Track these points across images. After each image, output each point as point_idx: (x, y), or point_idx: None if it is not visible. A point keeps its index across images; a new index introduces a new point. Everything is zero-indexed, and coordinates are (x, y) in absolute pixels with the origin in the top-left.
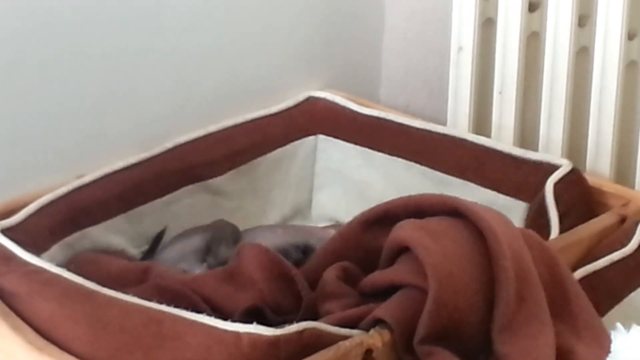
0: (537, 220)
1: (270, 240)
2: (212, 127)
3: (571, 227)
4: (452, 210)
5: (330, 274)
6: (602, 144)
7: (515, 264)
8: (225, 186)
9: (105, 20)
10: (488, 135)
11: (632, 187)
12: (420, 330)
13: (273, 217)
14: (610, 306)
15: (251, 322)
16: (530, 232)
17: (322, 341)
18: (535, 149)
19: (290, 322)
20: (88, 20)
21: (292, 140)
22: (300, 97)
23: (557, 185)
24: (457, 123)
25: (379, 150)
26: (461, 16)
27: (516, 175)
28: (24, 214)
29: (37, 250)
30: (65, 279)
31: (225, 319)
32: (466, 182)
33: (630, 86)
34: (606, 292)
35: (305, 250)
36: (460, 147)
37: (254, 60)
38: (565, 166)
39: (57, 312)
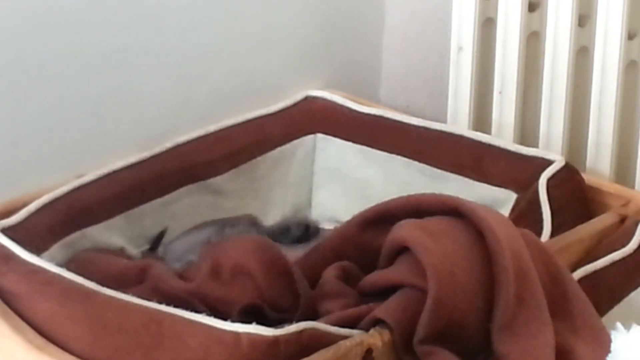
0: (529, 215)
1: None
2: (212, 127)
3: (564, 223)
4: (452, 210)
5: (330, 274)
6: (602, 144)
7: (515, 264)
8: (225, 186)
9: (106, 20)
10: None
11: (632, 186)
12: (420, 330)
13: (273, 216)
14: (610, 306)
15: (250, 321)
16: (529, 232)
17: (322, 341)
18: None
19: (289, 320)
20: (88, 20)
21: (291, 140)
22: (299, 96)
23: (550, 180)
24: (457, 123)
25: (378, 149)
26: (461, 16)
27: (513, 170)
28: (24, 213)
29: (37, 250)
30: (65, 279)
31: (224, 318)
32: (464, 178)
33: (630, 86)
34: (606, 291)
35: (307, 228)
36: (457, 144)
37: (254, 60)
38: (558, 162)
39: (57, 311)
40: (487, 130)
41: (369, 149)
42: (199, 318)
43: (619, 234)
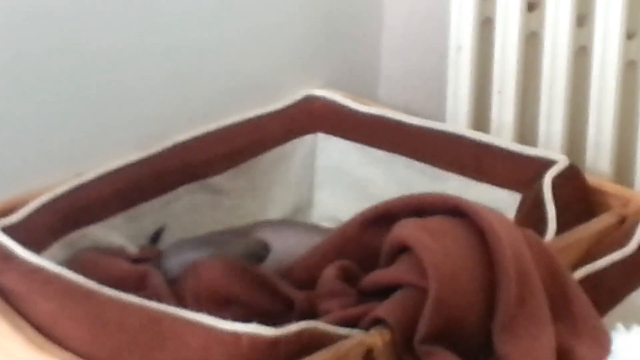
0: (533, 214)
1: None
2: (212, 126)
3: (567, 223)
4: (454, 210)
5: (330, 273)
6: (602, 144)
7: (516, 264)
8: (225, 185)
9: (104, 19)
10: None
11: (632, 186)
12: (421, 330)
13: (273, 215)
14: (611, 306)
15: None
16: (531, 232)
17: (322, 341)
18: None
19: (284, 323)
20: (86, 18)
21: (291, 139)
22: (299, 95)
23: (554, 180)
24: (456, 122)
25: (378, 148)
26: (460, 15)
27: (514, 170)
28: (24, 212)
29: (37, 249)
30: (66, 278)
31: None
32: (465, 178)
33: (629, 86)
34: (606, 292)
35: None
36: (458, 143)
37: (253, 59)
38: (562, 161)
39: (57, 310)
40: (486, 130)
41: (370, 148)
42: (199, 318)
43: (618, 234)
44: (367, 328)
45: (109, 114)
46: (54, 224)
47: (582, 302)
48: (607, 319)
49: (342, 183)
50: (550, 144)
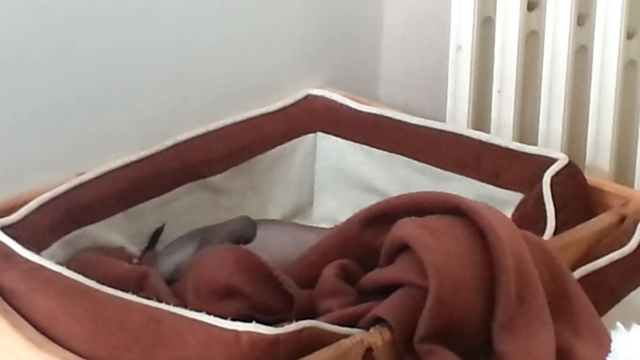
0: (534, 212)
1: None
2: (212, 125)
3: (566, 222)
4: (453, 209)
5: (330, 272)
6: (602, 143)
7: (515, 263)
8: (225, 184)
9: (104, 18)
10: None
11: (632, 186)
12: (421, 329)
13: (273, 215)
14: (610, 305)
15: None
16: (530, 233)
17: (322, 340)
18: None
19: (283, 321)
20: (87, 18)
21: (291, 138)
22: (299, 95)
23: (554, 178)
24: (456, 122)
25: (378, 148)
26: (460, 15)
27: (514, 169)
28: (24, 211)
29: (37, 248)
30: (66, 277)
31: None
32: (465, 178)
33: (629, 85)
34: (606, 291)
35: None
36: (458, 143)
37: (253, 59)
38: (562, 160)
39: (57, 309)
40: (486, 130)
41: (370, 148)
42: (199, 317)
43: (618, 233)
44: (367, 327)
45: (109, 114)
46: (54, 223)
47: (582, 301)
48: (606, 318)
49: (343, 183)
50: (550, 143)
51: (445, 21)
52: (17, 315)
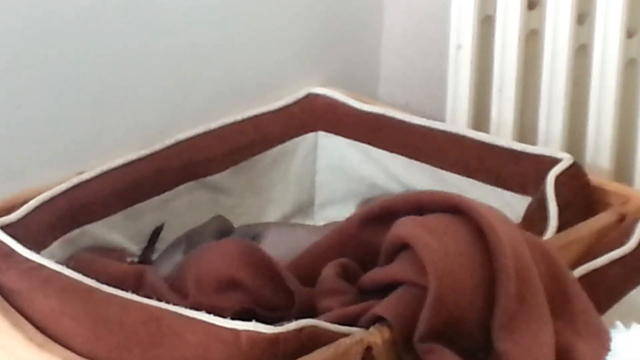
0: (536, 212)
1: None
2: (212, 124)
3: (569, 221)
4: (453, 208)
5: (329, 271)
6: (602, 142)
7: (515, 262)
8: (225, 183)
9: (105, 18)
10: (487, 133)
11: (632, 185)
12: (420, 328)
13: (273, 214)
14: (610, 304)
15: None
16: (529, 233)
17: (322, 339)
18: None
19: (283, 318)
20: (87, 18)
21: (292, 137)
22: (300, 93)
23: (558, 178)
24: (457, 121)
25: (379, 147)
26: (460, 14)
27: (516, 169)
28: (24, 210)
29: (37, 247)
30: (66, 276)
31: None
32: (467, 179)
33: (629, 84)
34: (606, 290)
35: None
36: (460, 143)
37: (254, 58)
38: (566, 160)
39: (57, 308)
40: (486, 129)
41: (371, 147)
42: (199, 315)
43: (618, 232)
44: (366, 326)
45: (109, 113)
46: (54, 222)
47: (582, 299)
48: (606, 318)
49: (344, 182)
50: (550, 142)
51: (445, 20)
52: (17, 315)
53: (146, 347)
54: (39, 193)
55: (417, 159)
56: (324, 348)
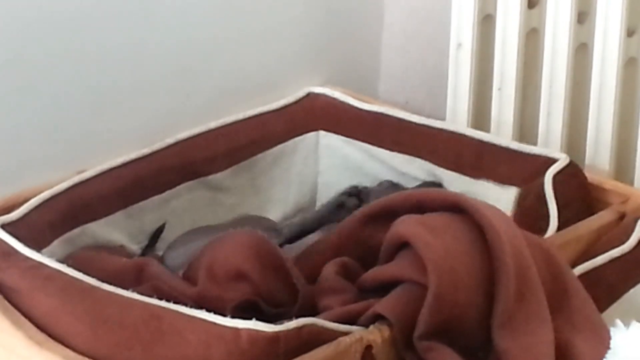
0: (535, 211)
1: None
2: (213, 123)
3: (568, 221)
4: (453, 206)
5: (330, 270)
6: (602, 141)
7: (515, 260)
8: (225, 182)
9: (106, 16)
10: (487, 132)
11: (631, 183)
12: (420, 326)
13: (274, 214)
14: (610, 303)
15: (248, 317)
16: (528, 232)
17: (322, 337)
18: (534, 146)
19: (286, 314)
20: (88, 15)
21: (293, 137)
22: (301, 93)
23: (555, 177)
24: (457, 119)
25: (380, 146)
26: (460, 13)
27: (514, 168)
28: (25, 209)
29: (38, 246)
30: (66, 275)
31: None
32: (466, 177)
33: (629, 83)
34: (605, 289)
35: (360, 195)
36: (459, 142)
37: (254, 56)
38: (563, 159)
39: (57, 307)
40: (486, 127)
41: (372, 146)
42: (199, 314)
43: (617, 231)
44: (366, 324)
45: (110, 112)
46: (55, 221)
47: (582, 297)
48: (605, 316)
49: (345, 181)
50: (550, 141)
51: (445, 19)
52: (18, 313)
53: (147, 346)
54: (40, 192)
55: (417, 157)
56: (324, 346)
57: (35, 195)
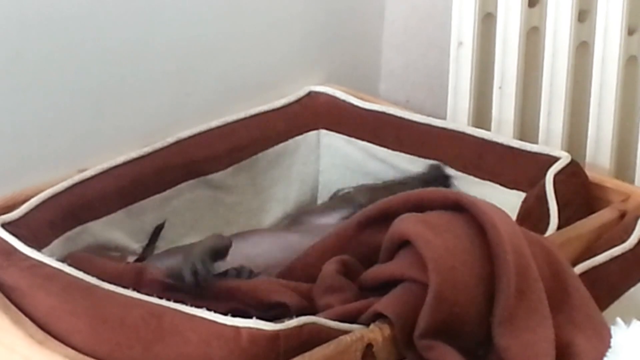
0: (536, 211)
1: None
2: (214, 122)
3: (569, 219)
4: (454, 205)
5: (330, 268)
6: (602, 139)
7: (515, 258)
8: (226, 181)
9: (107, 15)
10: (488, 130)
11: (632, 182)
12: (421, 324)
13: (275, 213)
14: (610, 301)
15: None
16: (529, 231)
17: (322, 336)
18: (535, 144)
19: (283, 315)
20: (89, 14)
21: (294, 136)
22: (302, 92)
23: (557, 176)
24: (457, 118)
25: (381, 145)
26: (461, 11)
27: (515, 167)
28: (25, 208)
29: (38, 245)
30: (66, 274)
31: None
32: (467, 175)
33: (630, 81)
34: (606, 287)
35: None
36: (460, 140)
37: (254, 55)
38: (564, 158)
39: (57, 306)
40: (486, 126)
41: (373, 145)
42: (200, 313)
43: (618, 229)
44: (367, 323)
45: (111, 110)
46: (55, 220)
47: (582, 295)
48: (606, 314)
49: (346, 180)
50: (550, 139)
51: (446, 17)
52: (18, 312)
53: (147, 345)
54: (40, 191)
55: (418, 156)
56: (325, 345)
57: (35, 194)
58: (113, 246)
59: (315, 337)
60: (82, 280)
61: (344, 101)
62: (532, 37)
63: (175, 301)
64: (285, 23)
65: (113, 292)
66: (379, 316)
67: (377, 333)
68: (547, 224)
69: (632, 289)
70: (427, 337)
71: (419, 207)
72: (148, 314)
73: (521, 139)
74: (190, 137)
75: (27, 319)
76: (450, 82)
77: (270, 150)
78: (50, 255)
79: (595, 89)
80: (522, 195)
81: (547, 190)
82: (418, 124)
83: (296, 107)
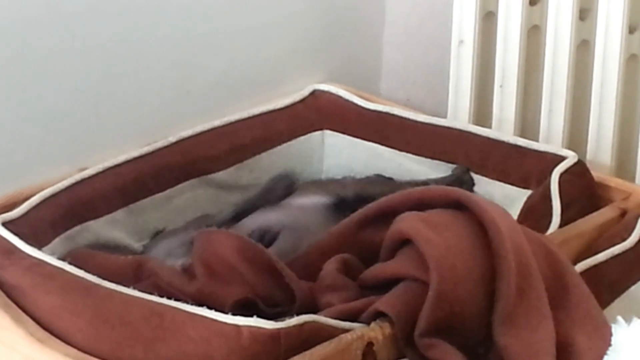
0: (539, 209)
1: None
2: (216, 122)
3: (572, 219)
4: (454, 203)
5: (331, 267)
6: (603, 138)
7: (516, 256)
8: (229, 181)
9: (108, 13)
10: (489, 129)
11: (633, 180)
12: (421, 323)
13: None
14: (611, 300)
15: (250, 315)
16: (529, 229)
17: (323, 334)
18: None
19: (284, 313)
20: (89, 13)
21: (297, 136)
22: (306, 91)
23: (562, 176)
24: (458, 117)
25: (386, 145)
26: (462, 9)
27: (520, 165)
28: (26, 207)
29: (39, 244)
30: (67, 272)
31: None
32: (474, 175)
33: (630, 80)
34: (606, 285)
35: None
36: (465, 140)
37: (255, 54)
38: (571, 158)
39: (58, 304)
40: (487, 124)
41: (377, 145)
42: (200, 311)
43: (619, 227)
44: (367, 322)
45: (112, 109)
46: (56, 218)
47: (583, 293)
48: (607, 313)
49: None
50: (551, 138)
51: (447, 16)
52: (19, 311)
53: (148, 343)
54: (41, 189)
55: (423, 155)
56: (325, 343)
57: (36, 193)
58: (113, 245)
59: (315, 336)
60: (83, 278)
61: (347, 101)
62: (533, 36)
63: (176, 299)
64: (286, 21)
65: (114, 290)
66: (379, 315)
67: (377, 331)
68: (550, 222)
69: (633, 287)
70: (427, 336)
71: (420, 205)
72: (149, 312)
73: (522, 138)
74: (192, 136)
75: (28, 318)
76: (451, 80)
77: (274, 150)
78: (51, 254)
79: (596, 88)
80: (526, 193)
81: (552, 189)
82: (423, 124)
83: (300, 107)
